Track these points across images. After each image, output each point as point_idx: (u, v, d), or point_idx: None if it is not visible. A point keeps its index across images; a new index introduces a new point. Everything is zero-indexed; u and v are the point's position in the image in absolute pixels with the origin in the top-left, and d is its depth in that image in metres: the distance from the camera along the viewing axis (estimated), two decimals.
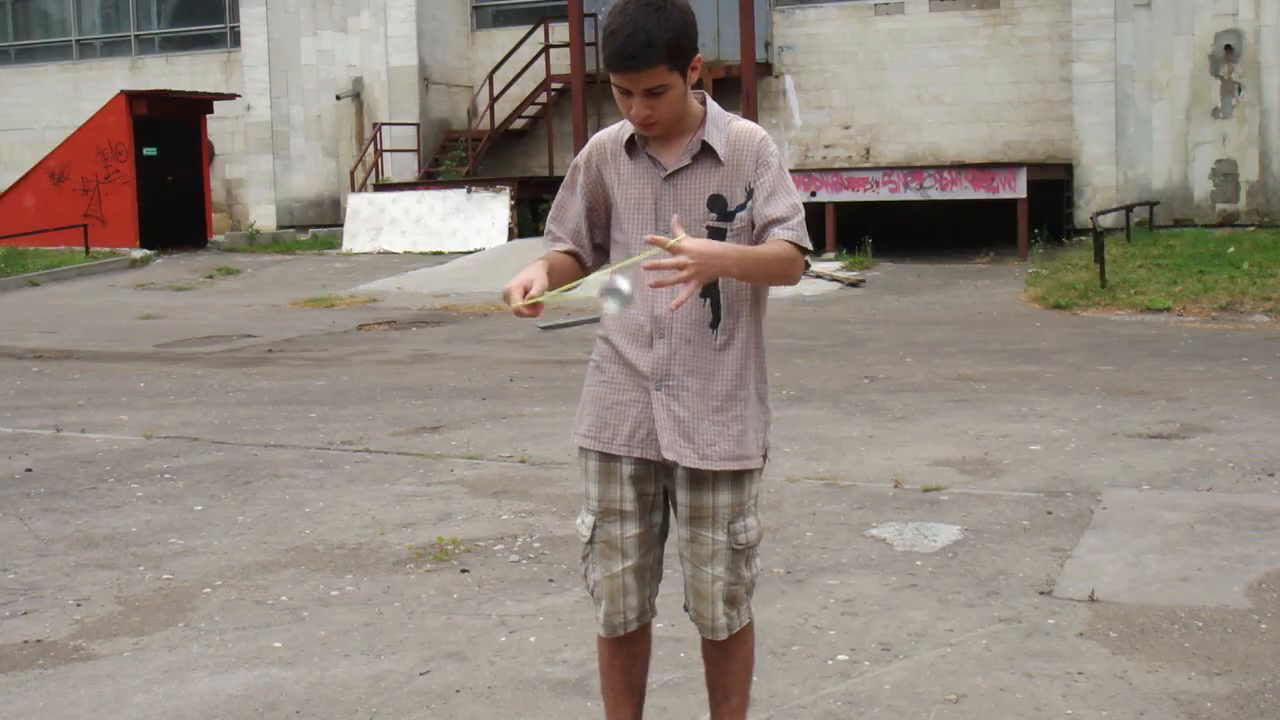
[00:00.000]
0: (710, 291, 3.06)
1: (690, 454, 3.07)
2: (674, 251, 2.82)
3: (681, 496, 3.13)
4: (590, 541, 3.16)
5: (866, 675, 4.14)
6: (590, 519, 3.16)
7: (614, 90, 3.00)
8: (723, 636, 3.19)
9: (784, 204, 3.04)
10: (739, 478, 3.13)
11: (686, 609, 3.25)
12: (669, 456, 3.07)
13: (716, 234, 3.05)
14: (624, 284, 2.83)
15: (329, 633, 4.66)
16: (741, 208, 3.06)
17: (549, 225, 3.24)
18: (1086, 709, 3.85)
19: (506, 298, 2.92)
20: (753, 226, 3.06)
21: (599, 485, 3.14)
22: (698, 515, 3.12)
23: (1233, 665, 4.15)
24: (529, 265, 3.05)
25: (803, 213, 3.07)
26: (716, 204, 3.06)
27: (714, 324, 3.08)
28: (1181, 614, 4.62)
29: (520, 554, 5.56)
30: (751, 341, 3.14)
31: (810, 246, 3.09)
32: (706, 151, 3.06)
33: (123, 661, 4.45)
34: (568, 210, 3.20)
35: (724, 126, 3.07)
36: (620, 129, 3.13)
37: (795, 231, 3.02)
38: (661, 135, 3.06)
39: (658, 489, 3.16)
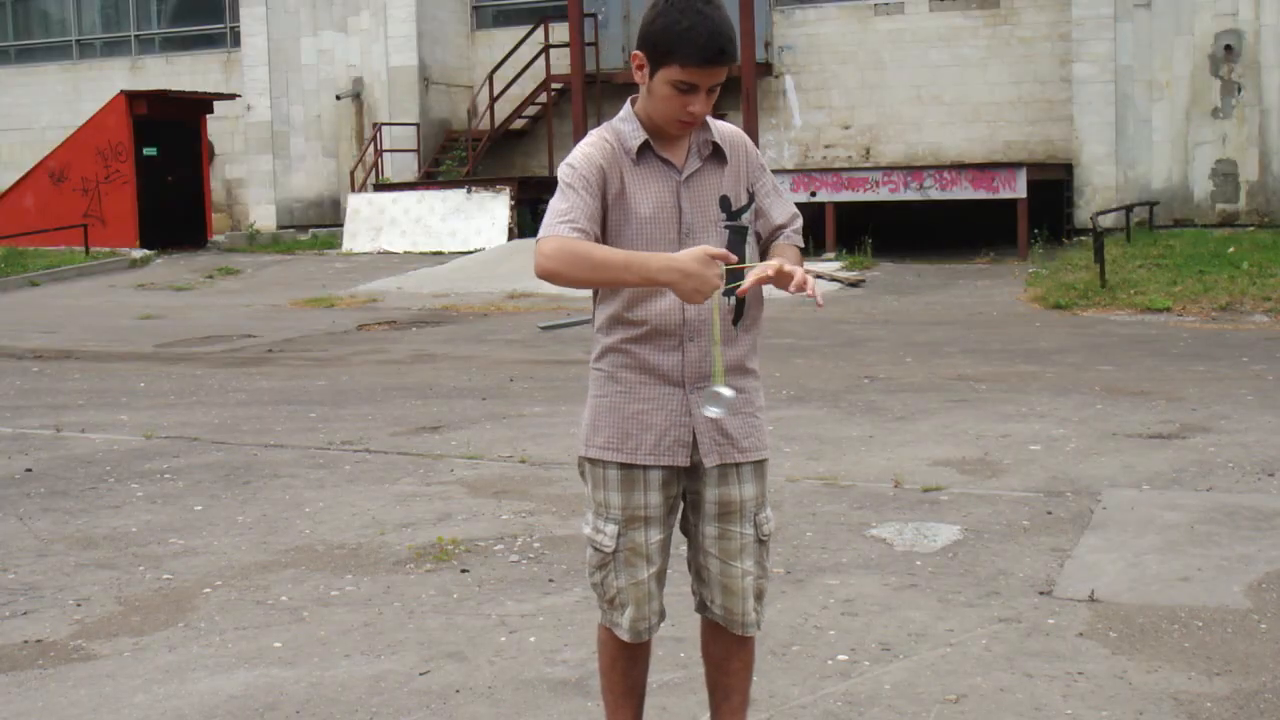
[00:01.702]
0: (731, 291, 3.06)
1: (731, 450, 3.10)
2: (786, 272, 2.91)
3: (710, 494, 3.12)
4: (614, 551, 3.12)
5: (866, 675, 4.14)
6: (613, 528, 3.11)
7: (666, 87, 2.95)
8: (754, 631, 3.21)
9: (788, 209, 3.19)
10: (760, 469, 3.17)
11: (704, 609, 3.23)
12: (710, 461, 3.08)
13: (736, 233, 3.08)
14: (728, 392, 2.94)
15: (329, 633, 4.66)
16: (744, 209, 3.11)
17: (569, 219, 2.97)
18: (1086, 709, 3.85)
19: (719, 258, 2.84)
20: (757, 231, 3.17)
21: (622, 494, 3.10)
22: (727, 511, 3.13)
23: (1233, 665, 4.15)
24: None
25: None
26: (725, 204, 3.09)
27: (735, 321, 3.10)
28: (1181, 614, 4.61)
29: (520, 554, 5.56)
30: (756, 336, 3.19)
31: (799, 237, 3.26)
32: (715, 152, 3.09)
33: (123, 661, 4.45)
34: (580, 209, 3.00)
35: (717, 128, 3.12)
36: (620, 135, 3.06)
37: (799, 235, 3.20)
38: (674, 135, 3.06)
39: (679, 491, 3.16)
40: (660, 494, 3.11)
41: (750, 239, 3.13)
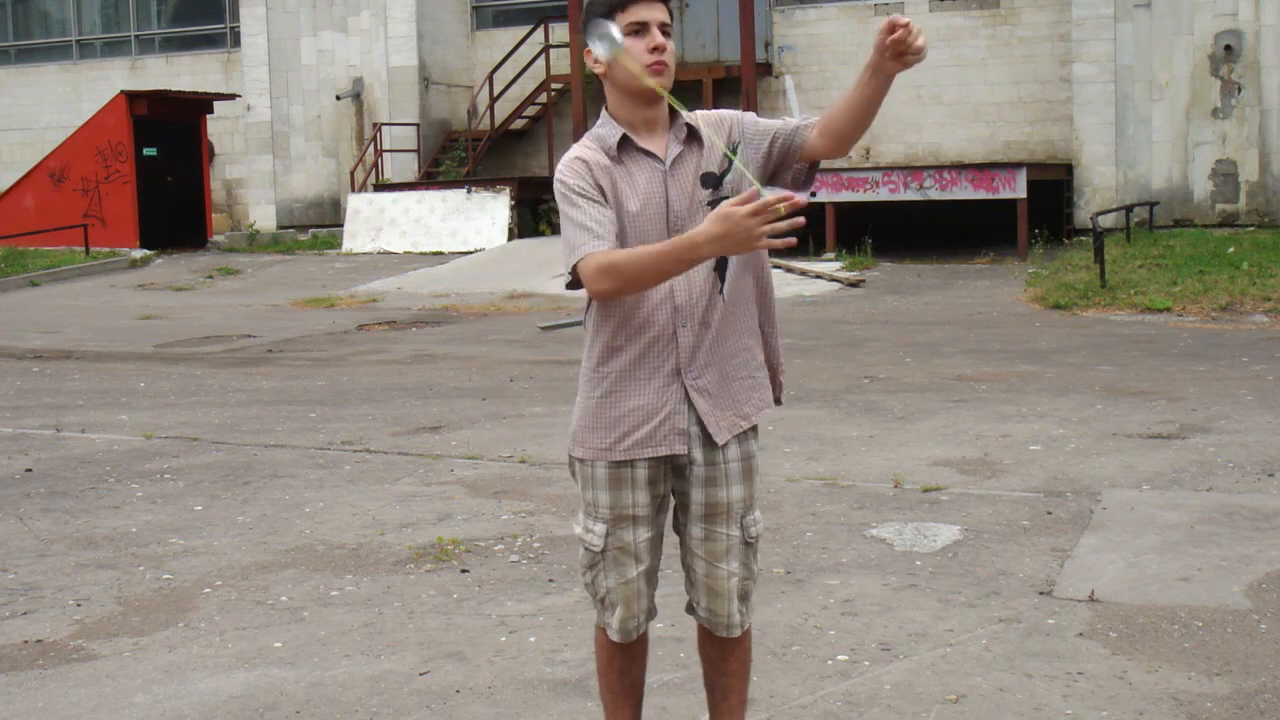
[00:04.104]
0: (720, 263, 3.07)
1: (735, 420, 3.11)
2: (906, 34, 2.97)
3: (696, 495, 3.13)
4: (603, 550, 3.13)
5: (866, 675, 4.14)
6: (601, 527, 3.12)
7: (620, 39, 2.98)
8: (737, 633, 3.21)
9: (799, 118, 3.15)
10: (749, 471, 3.16)
11: (693, 610, 3.24)
12: (722, 438, 3.08)
13: (717, 205, 3.06)
14: (616, 32, 2.97)
15: (329, 633, 4.66)
16: (727, 172, 3.10)
17: (588, 231, 2.96)
18: (1086, 709, 3.85)
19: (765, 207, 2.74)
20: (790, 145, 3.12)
21: (610, 493, 3.11)
22: (713, 512, 3.13)
23: (1233, 665, 4.15)
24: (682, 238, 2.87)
25: None
26: (707, 180, 3.09)
27: (721, 290, 3.09)
28: (1181, 614, 4.62)
29: (520, 554, 5.57)
30: (751, 295, 3.16)
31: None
32: (693, 135, 3.10)
33: (123, 661, 4.45)
34: (590, 217, 2.98)
35: (689, 114, 3.13)
36: (599, 139, 3.08)
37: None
38: (648, 122, 3.07)
39: (666, 490, 3.16)
40: (647, 492, 3.11)
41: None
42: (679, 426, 3.07)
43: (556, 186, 3.08)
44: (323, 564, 5.51)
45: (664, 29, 3.02)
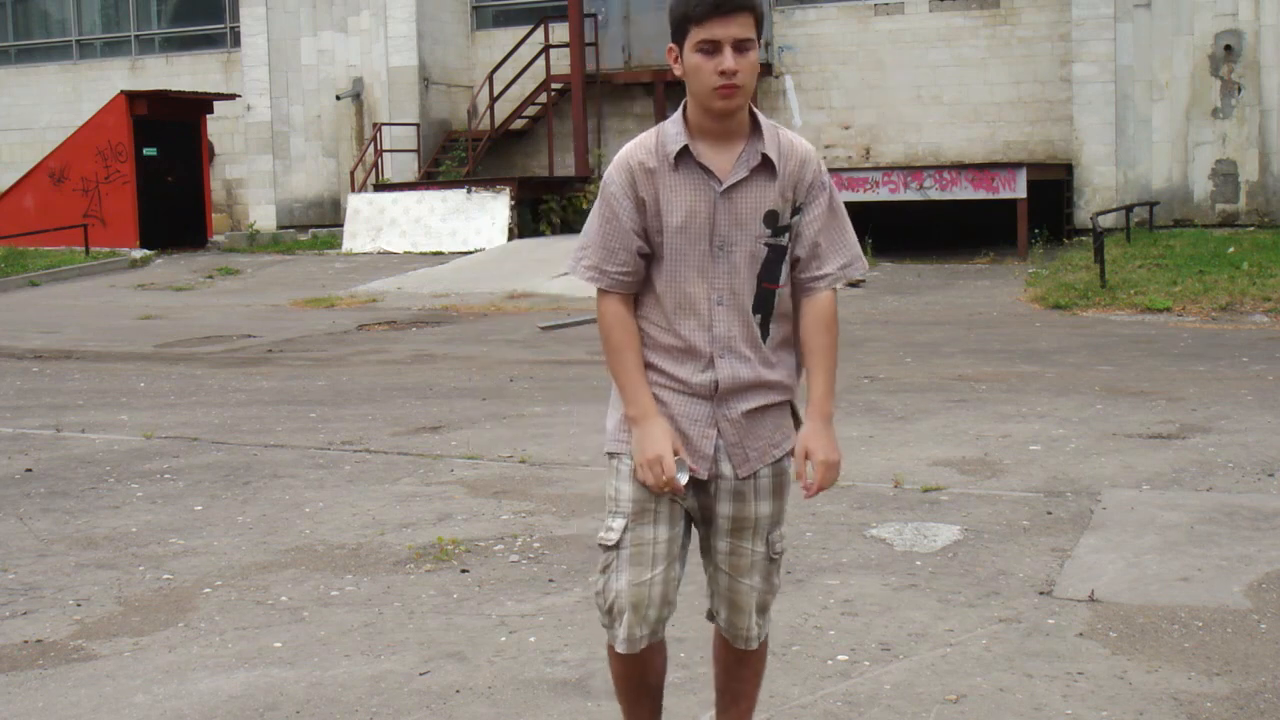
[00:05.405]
0: (762, 309, 3.02)
1: (766, 452, 3.07)
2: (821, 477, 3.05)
3: (724, 509, 3.08)
4: (617, 546, 3.02)
5: (866, 675, 4.14)
6: (621, 521, 3.02)
7: (694, 57, 2.86)
8: (755, 646, 3.19)
9: (841, 254, 3.06)
10: (779, 488, 3.12)
11: (713, 617, 3.22)
12: (743, 472, 3.05)
13: (775, 251, 3.00)
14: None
15: (329, 633, 4.66)
16: (785, 229, 3.01)
17: (597, 262, 3.00)
18: (1086, 709, 3.85)
19: (662, 473, 2.95)
20: (790, 252, 3.04)
21: (634, 484, 3.01)
22: (740, 527, 3.09)
23: (1233, 665, 4.15)
24: (643, 421, 2.97)
25: (858, 245, 3.11)
26: (770, 220, 2.98)
27: (764, 337, 3.05)
28: (1181, 614, 4.61)
29: (520, 554, 5.57)
30: (792, 336, 3.13)
31: (861, 273, 3.10)
32: (765, 164, 2.96)
33: (123, 661, 4.45)
34: (617, 240, 2.98)
35: (775, 136, 2.99)
36: (659, 142, 2.98)
37: (846, 275, 3.07)
38: (719, 133, 2.95)
39: (688, 505, 3.09)
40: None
41: (786, 251, 3.03)
42: (704, 451, 3.02)
43: (604, 178, 3.03)
44: (323, 564, 5.51)
45: (741, 45, 2.85)
